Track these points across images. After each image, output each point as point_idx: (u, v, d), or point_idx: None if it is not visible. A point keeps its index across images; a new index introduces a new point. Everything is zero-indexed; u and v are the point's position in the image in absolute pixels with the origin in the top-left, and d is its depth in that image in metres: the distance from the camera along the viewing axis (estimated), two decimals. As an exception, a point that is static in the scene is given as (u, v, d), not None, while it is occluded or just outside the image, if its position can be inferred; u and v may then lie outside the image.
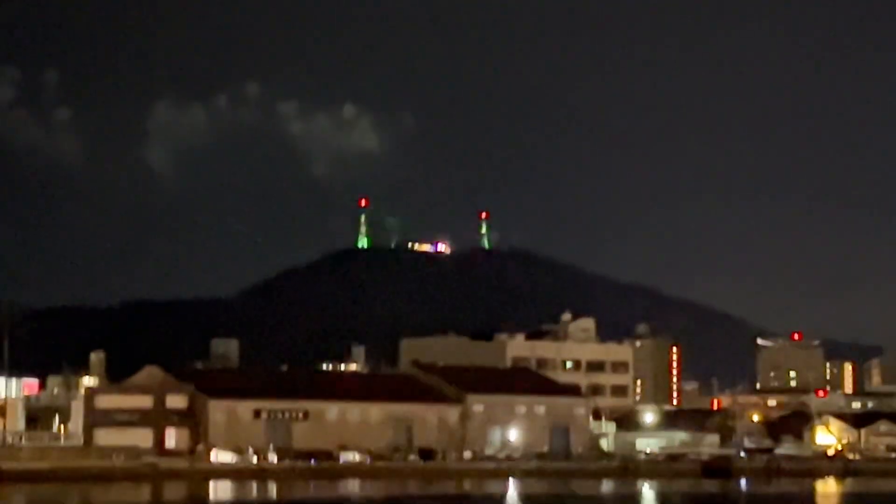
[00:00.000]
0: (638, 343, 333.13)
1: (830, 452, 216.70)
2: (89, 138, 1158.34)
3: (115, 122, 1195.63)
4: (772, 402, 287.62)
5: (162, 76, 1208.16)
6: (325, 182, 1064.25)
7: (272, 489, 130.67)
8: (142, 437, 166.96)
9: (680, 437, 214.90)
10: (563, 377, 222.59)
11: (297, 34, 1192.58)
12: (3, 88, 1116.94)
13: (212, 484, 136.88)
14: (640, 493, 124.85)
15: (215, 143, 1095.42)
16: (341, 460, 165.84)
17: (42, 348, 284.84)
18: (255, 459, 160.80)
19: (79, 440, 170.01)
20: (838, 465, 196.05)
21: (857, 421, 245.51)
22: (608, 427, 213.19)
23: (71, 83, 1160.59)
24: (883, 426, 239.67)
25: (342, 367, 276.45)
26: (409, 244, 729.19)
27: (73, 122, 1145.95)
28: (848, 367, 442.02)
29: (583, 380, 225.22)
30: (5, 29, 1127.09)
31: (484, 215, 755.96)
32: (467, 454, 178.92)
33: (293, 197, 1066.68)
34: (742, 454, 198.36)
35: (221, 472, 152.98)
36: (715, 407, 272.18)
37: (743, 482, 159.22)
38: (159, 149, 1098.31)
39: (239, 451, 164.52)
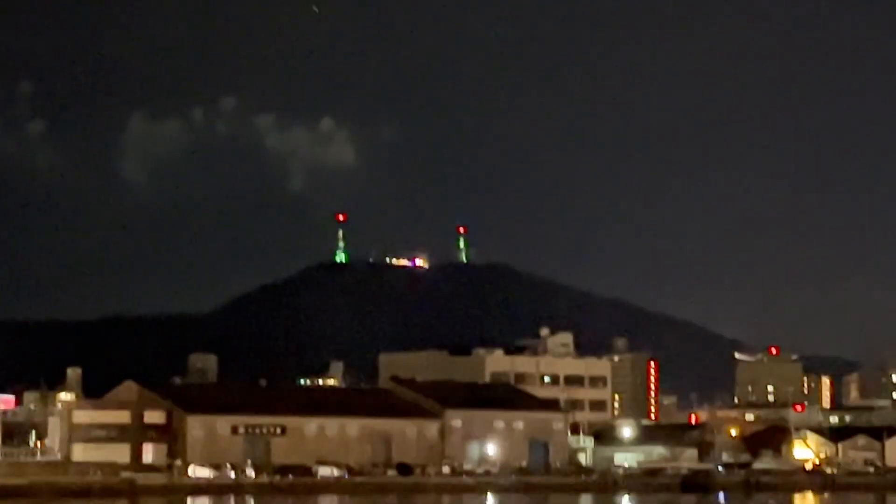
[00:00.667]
0: (616, 358, 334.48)
1: (808, 467, 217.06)
2: (64, 151, 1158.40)
3: (91, 135, 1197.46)
4: (750, 417, 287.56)
5: (137, 89, 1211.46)
6: (302, 196, 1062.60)
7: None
8: (119, 453, 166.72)
9: (658, 451, 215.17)
10: (541, 392, 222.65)
11: (274, 48, 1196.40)
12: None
13: (189, 500, 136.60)
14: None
15: (191, 157, 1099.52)
16: (319, 475, 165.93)
17: (18, 363, 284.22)
18: (232, 475, 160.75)
19: (56, 456, 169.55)
20: (816, 480, 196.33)
21: (835, 435, 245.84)
22: (586, 442, 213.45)
23: (45, 95, 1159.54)
24: (861, 440, 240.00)
25: (320, 381, 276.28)
26: (388, 259, 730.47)
27: (48, 135, 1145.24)
28: (826, 382, 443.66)
29: (561, 394, 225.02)
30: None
31: (462, 230, 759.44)
32: (446, 469, 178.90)
33: (270, 211, 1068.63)
34: (720, 468, 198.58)
35: (199, 487, 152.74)
36: (693, 421, 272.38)
37: (721, 496, 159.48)
38: (135, 162, 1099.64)
39: (217, 466, 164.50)
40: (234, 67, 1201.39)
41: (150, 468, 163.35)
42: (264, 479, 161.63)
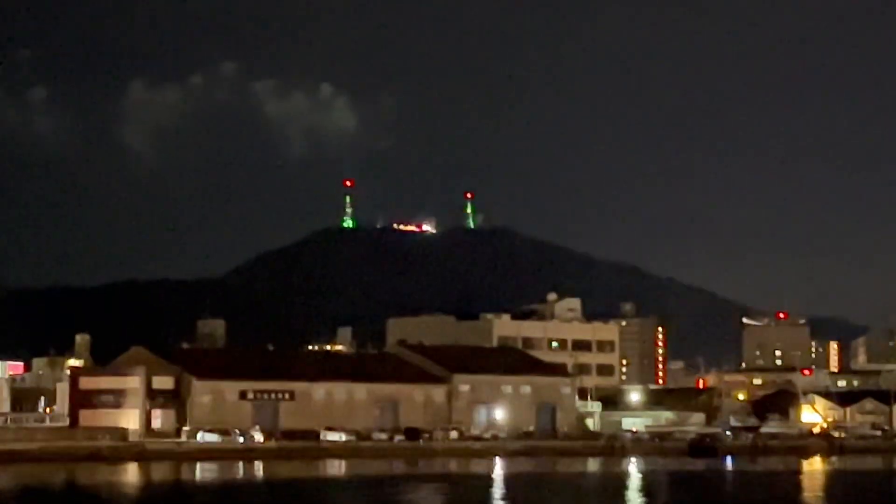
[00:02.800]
0: (624, 323, 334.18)
1: (816, 430, 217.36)
2: (64, 118, 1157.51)
3: (91, 101, 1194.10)
4: (757, 381, 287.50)
5: (137, 55, 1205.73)
6: (304, 162, 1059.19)
7: (259, 469, 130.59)
8: (128, 418, 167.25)
9: (666, 415, 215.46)
10: (549, 357, 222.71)
11: (272, 13, 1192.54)
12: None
13: (198, 465, 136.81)
14: (626, 471, 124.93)
15: (192, 123, 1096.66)
16: (326, 440, 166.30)
17: (27, 330, 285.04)
18: (241, 440, 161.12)
19: (64, 421, 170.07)
20: (824, 443, 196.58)
21: (843, 399, 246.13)
22: (594, 406, 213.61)
23: (45, 62, 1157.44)
24: (868, 404, 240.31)
25: (328, 347, 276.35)
26: (395, 224, 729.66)
27: (48, 102, 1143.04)
28: (833, 346, 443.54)
29: (569, 359, 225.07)
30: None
31: (469, 195, 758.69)
32: (453, 434, 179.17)
33: (272, 177, 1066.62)
34: (728, 433, 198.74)
35: (208, 452, 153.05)
36: (700, 386, 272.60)
37: (728, 460, 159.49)
38: (136, 128, 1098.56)
39: (225, 431, 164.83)
40: (232, 33, 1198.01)
41: (158, 433, 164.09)
42: (272, 444, 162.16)
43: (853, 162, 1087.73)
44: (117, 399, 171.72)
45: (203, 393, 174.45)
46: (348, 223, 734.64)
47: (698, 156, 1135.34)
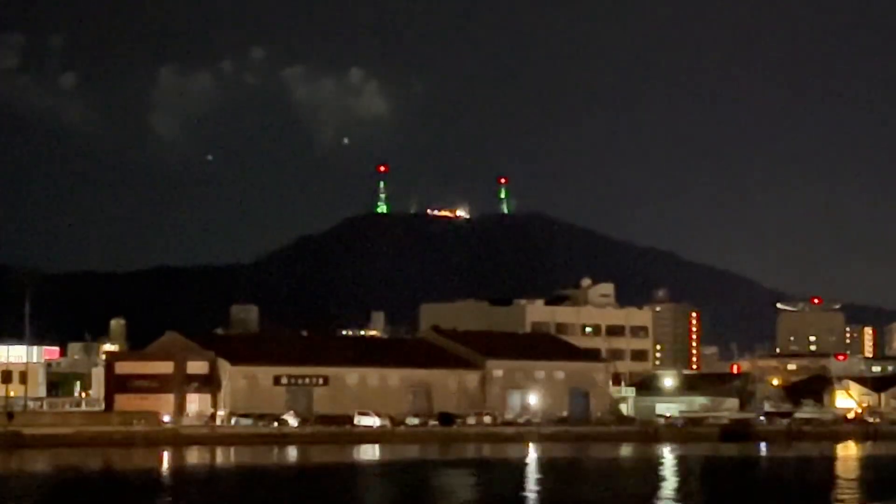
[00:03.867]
0: (658, 308, 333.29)
1: (850, 416, 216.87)
2: (96, 104, 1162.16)
3: (122, 88, 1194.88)
4: (791, 366, 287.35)
5: (167, 42, 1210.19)
6: (335, 148, 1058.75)
7: (293, 454, 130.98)
8: (162, 403, 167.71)
9: (699, 401, 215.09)
10: (582, 342, 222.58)
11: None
12: (7, 54, 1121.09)
13: (232, 449, 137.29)
14: (660, 457, 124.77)
15: (222, 110, 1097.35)
16: (360, 424, 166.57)
17: (62, 315, 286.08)
18: (275, 424, 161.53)
19: (100, 406, 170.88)
20: (858, 429, 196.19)
21: (877, 385, 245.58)
22: (628, 391, 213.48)
23: (76, 49, 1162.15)
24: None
25: (362, 332, 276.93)
26: (429, 210, 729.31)
27: (80, 88, 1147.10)
28: (868, 332, 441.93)
29: (602, 344, 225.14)
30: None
31: (503, 181, 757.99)
32: (487, 419, 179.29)
33: (304, 163, 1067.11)
34: (761, 418, 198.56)
35: (242, 437, 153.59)
36: (734, 371, 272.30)
37: (762, 446, 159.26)
38: (167, 115, 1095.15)
39: (259, 416, 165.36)
40: (261, 19, 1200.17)
41: (193, 418, 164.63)
42: (307, 428, 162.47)
43: (890, 151, 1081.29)
44: (152, 384, 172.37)
45: (237, 378, 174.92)
46: (382, 209, 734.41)
47: (733, 142, 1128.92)
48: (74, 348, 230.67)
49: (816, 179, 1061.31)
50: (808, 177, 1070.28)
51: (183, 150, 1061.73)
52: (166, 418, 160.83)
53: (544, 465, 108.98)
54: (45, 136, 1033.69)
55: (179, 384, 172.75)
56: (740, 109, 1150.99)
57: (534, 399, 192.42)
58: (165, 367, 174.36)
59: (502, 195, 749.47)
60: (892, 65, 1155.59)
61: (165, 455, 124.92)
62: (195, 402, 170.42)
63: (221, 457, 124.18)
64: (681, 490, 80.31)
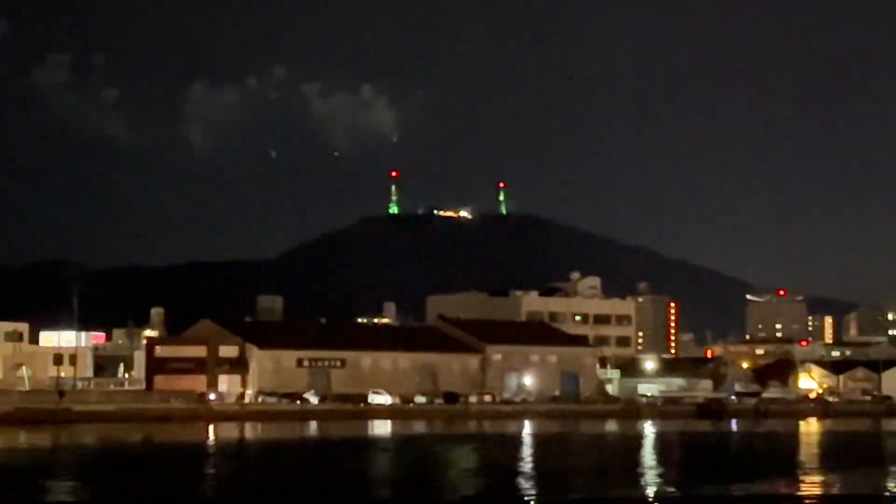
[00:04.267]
0: (639, 299, 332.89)
1: (812, 395, 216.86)
2: (136, 116, 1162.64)
3: (158, 101, 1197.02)
4: (759, 351, 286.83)
5: (198, 60, 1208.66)
6: (348, 156, 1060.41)
7: (313, 428, 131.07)
8: (197, 383, 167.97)
9: (677, 382, 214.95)
10: (572, 329, 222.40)
11: (317, 21, 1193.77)
12: (56, 72, 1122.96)
13: (260, 425, 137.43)
14: (642, 432, 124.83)
15: (248, 121, 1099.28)
16: (373, 402, 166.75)
17: (108, 304, 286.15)
18: (298, 402, 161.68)
19: (141, 385, 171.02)
20: (819, 407, 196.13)
21: (836, 368, 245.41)
22: (613, 374, 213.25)
23: (118, 67, 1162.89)
24: (859, 373, 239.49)
25: (375, 320, 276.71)
26: (435, 211, 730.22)
27: (121, 102, 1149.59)
28: (828, 320, 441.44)
29: (590, 332, 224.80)
30: (57, 18, 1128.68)
31: (502, 184, 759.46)
32: (487, 398, 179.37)
33: (322, 168, 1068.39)
34: (733, 397, 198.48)
35: (268, 413, 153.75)
36: (708, 355, 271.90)
37: (734, 422, 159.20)
38: (198, 126, 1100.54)
39: (284, 395, 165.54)
40: (282, 41, 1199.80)
41: (224, 396, 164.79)
42: (326, 406, 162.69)
43: (847, 154, 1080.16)
44: (187, 366, 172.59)
45: (264, 361, 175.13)
46: (393, 210, 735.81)
47: (708, 148, 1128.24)
48: (118, 334, 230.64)
49: (783, 184, 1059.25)
50: (775, 182, 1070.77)
51: (213, 158, 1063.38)
52: (212, 396, 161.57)
53: (538, 439, 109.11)
54: (90, 145, 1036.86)
55: (212, 366, 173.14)
56: (713, 117, 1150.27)
57: (529, 380, 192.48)
58: (199, 351, 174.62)
59: (501, 198, 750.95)
60: (840, 70, 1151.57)
61: (202, 429, 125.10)
62: (226, 383, 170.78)
63: (250, 431, 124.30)
64: (661, 461, 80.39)
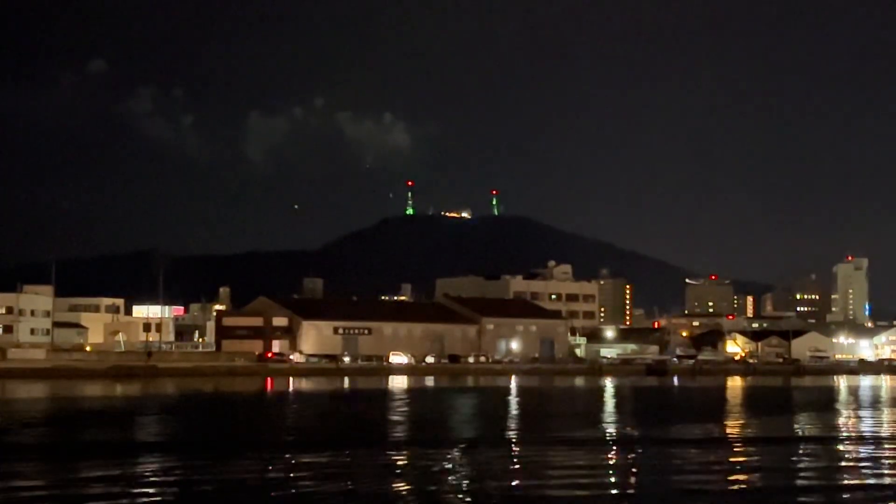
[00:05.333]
0: (601, 282, 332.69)
1: (737, 358, 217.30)
2: (205, 137, 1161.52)
3: (223, 125, 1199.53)
4: (695, 323, 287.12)
5: (254, 91, 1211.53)
6: (373, 169, 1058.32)
7: (346, 382, 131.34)
8: (255, 346, 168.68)
9: (631, 347, 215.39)
10: (549, 305, 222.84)
11: (348, 62, 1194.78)
12: (143, 102, 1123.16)
13: (304, 379, 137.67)
14: (603, 386, 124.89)
15: (294, 142, 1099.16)
16: (393, 362, 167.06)
17: (186, 284, 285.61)
18: (334, 362, 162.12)
19: (211, 348, 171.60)
20: (742, 367, 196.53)
21: (755, 336, 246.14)
22: (580, 340, 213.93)
23: (192, 97, 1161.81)
24: (773, 340, 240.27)
25: (395, 297, 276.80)
26: (442, 213, 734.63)
27: (194, 126, 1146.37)
28: (749, 299, 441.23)
29: (563, 307, 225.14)
30: (144, 58, 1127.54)
31: (494, 192, 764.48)
32: (482, 358, 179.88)
33: (351, 179, 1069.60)
34: (674, 359, 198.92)
35: (311, 370, 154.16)
36: (655, 326, 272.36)
37: (675, 379, 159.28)
38: (255, 145, 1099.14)
39: (323, 356, 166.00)
40: (321, 77, 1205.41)
41: (276, 357, 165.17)
42: (356, 364, 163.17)
43: (767, 160, 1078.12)
44: (248, 333, 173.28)
45: (308, 329, 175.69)
46: (409, 211, 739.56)
47: (656, 160, 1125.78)
48: (194, 308, 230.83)
49: (717, 188, 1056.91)
50: (710, 185, 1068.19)
51: (267, 170, 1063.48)
52: (292, 357, 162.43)
53: (521, 391, 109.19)
54: (170, 161, 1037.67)
55: (267, 333, 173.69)
56: (653, 138, 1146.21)
57: (515, 345, 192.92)
58: (257, 321, 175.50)
59: (494, 202, 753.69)
60: (772, 76, 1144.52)
61: (257, 382, 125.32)
62: (278, 346, 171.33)
63: (297, 384, 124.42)
64: (618, 409, 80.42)
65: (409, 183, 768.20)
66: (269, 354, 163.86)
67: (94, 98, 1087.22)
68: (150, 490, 32.73)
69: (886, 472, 39.04)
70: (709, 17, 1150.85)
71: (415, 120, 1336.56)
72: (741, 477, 37.45)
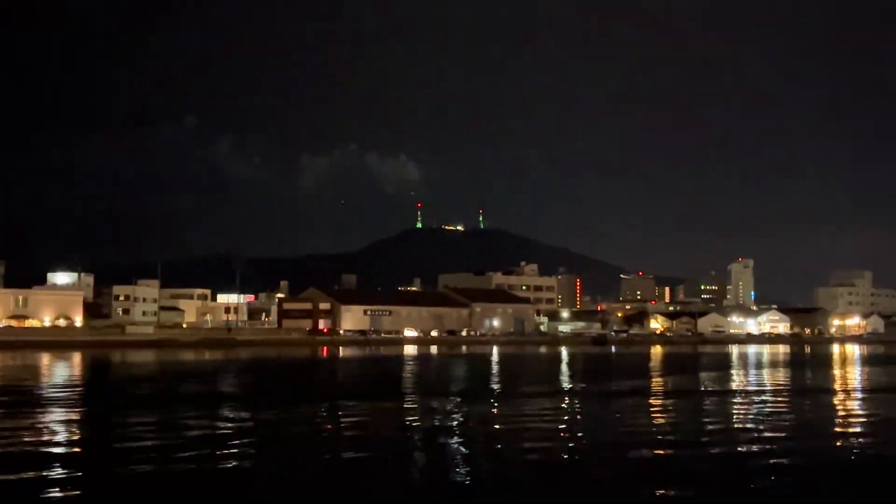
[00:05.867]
0: (559, 277, 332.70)
1: (658, 332, 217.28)
2: (272, 173, 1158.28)
3: (284, 163, 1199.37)
4: (628, 307, 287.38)
5: (306, 139, 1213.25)
6: (392, 194, 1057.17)
7: (373, 349, 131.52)
8: (307, 324, 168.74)
9: (580, 324, 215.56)
10: (521, 294, 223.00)
11: (374, 117, 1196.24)
12: (223, 147, 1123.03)
13: (342, 347, 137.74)
14: (560, 353, 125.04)
15: (333, 175, 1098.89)
16: (406, 336, 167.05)
17: (255, 279, 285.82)
18: (364, 335, 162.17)
19: (274, 325, 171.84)
20: (661, 339, 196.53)
21: (671, 316, 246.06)
22: (544, 319, 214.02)
23: (258, 142, 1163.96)
24: (684, 319, 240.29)
25: (409, 288, 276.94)
26: (443, 226, 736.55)
27: (263, 164, 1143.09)
28: (667, 289, 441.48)
29: (531, 295, 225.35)
30: (224, 114, 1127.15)
31: (481, 210, 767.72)
32: (472, 333, 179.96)
33: (376, 201, 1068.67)
34: (612, 333, 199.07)
35: (349, 340, 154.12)
36: (598, 309, 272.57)
37: (613, 347, 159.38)
38: (308, 176, 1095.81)
39: (357, 331, 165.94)
40: (354, 125, 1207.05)
41: (322, 332, 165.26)
42: (380, 337, 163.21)
43: (680, 183, 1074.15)
44: (302, 314, 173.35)
45: (345, 312, 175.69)
46: (419, 225, 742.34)
47: (605, 175, 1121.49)
48: (262, 297, 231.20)
49: (647, 204, 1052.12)
50: (640, 201, 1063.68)
51: (316, 196, 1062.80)
52: (342, 331, 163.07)
53: (501, 357, 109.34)
54: (244, 188, 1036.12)
55: (316, 314, 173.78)
56: (598, 167, 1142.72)
57: (496, 323, 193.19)
58: (308, 306, 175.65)
59: (481, 219, 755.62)
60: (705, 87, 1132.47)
61: (310, 350, 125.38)
62: (323, 324, 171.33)
63: (339, 352, 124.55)
64: (571, 369, 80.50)
65: (419, 205, 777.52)
66: (326, 329, 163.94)
67: (188, 143, 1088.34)
68: (229, 426, 32.89)
69: (764, 416, 39.26)
70: (606, 43, 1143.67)
71: (423, 159, 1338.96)
72: (659, 417, 37.65)
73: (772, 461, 26.17)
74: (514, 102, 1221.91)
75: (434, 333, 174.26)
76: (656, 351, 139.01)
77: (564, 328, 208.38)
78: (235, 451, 27.52)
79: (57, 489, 21.54)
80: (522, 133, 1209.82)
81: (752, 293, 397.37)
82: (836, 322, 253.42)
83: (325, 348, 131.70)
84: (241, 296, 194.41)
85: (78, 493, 21.37)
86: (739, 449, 28.67)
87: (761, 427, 34.03)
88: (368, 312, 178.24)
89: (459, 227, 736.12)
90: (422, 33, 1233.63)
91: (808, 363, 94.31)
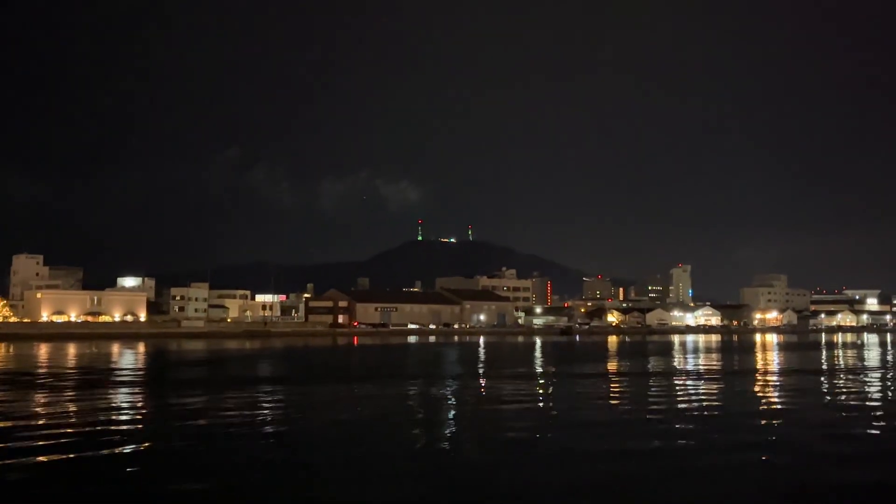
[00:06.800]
0: (533, 280, 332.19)
1: (614, 325, 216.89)
2: (298, 195, 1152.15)
3: (312, 190, 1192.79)
4: (589, 304, 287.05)
5: (326, 167, 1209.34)
6: (397, 213, 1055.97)
7: (382, 338, 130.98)
8: (329, 318, 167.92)
9: (551, 318, 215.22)
10: (503, 294, 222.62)
11: (381, 150, 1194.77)
12: (259, 174, 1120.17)
13: (356, 337, 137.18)
14: (534, 342, 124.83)
15: (350, 198, 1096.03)
16: (410, 328, 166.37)
17: (287, 283, 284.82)
18: (376, 328, 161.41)
19: (302, 319, 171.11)
20: (617, 331, 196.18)
21: (624, 311, 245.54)
22: (521, 314, 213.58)
23: (285, 169, 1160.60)
24: (635, 314, 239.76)
25: (412, 289, 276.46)
26: (439, 238, 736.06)
27: (290, 188, 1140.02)
28: (621, 289, 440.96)
29: (511, 295, 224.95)
30: (260, 146, 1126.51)
31: (470, 226, 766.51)
32: (464, 326, 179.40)
33: (384, 219, 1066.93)
34: (577, 325, 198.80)
35: (363, 332, 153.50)
36: (565, 306, 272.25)
37: (577, 337, 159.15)
38: (327, 199, 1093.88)
39: (370, 324, 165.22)
40: (366, 159, 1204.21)
41: (341, 325, 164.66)
42: (389, 329, 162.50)
43: (631, 198, 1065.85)
44: (324, 310, 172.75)
45: (360, 308, 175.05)
46: (420, 238, 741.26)
47: (572, 193, 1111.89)
48: (292, 296, 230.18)
49: (607, 217, 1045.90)
50: (599, 215, 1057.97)
51: (335, 215, 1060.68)
52: (357, 324, 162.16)
53: (487, 345, 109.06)
54: (276, 208, 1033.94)
55: (335, 310, 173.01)
56: (566, 180, 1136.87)
57: (483, 317, 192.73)
58: (329, 304, 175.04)
59: (470, 233, 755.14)
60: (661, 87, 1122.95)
61: (332, 339, 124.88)
62: (342, 319, 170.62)
63: (355, 340, 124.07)
64: (543, 355, 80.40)
65: (419, 221, 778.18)
66: (345, 322, 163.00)
67: (230, 171, 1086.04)
68: (267, 404, 32.86)
69: (702, 392, 39.35)
70: (581, 57, 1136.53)
71: (421, 183, 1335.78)
72: (616, 392, 37.70)
73: (704, 417, 26.26)
74: (500, 139, 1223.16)
75: (432, 326, 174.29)
76: (612, 340, 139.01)
77: (538, 321, 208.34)
78: (280, 416, 27.47)
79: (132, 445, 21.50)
80: (507, 165, 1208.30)
81: (690, 292, 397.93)
82: (758, 316, 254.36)
83: (355, 338, 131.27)
84: (275, 296, 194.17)
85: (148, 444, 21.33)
86: (684, 422, 28.71)
87: (697, 398, 34.11)
88: (379, 309, 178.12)
89: (452, 240, 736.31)
90: (424, 86, 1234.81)
91: (735, 349, 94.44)
